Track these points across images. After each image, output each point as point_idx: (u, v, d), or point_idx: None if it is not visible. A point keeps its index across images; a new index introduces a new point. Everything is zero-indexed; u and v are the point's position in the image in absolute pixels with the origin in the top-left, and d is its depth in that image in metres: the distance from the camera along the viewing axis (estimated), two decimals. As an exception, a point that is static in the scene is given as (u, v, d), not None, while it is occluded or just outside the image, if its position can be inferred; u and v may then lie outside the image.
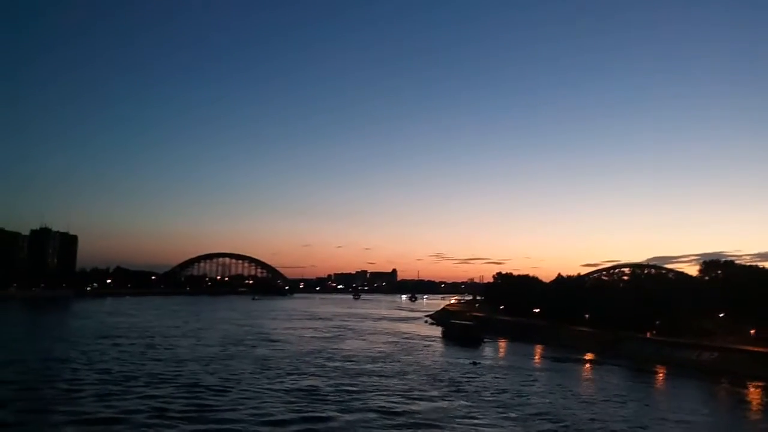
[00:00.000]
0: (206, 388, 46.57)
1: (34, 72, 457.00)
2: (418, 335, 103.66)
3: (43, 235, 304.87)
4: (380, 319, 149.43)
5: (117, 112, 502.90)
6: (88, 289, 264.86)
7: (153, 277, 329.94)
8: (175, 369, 56.40)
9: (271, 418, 36.96)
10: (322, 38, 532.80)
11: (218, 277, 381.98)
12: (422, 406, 42.49)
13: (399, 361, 66.90)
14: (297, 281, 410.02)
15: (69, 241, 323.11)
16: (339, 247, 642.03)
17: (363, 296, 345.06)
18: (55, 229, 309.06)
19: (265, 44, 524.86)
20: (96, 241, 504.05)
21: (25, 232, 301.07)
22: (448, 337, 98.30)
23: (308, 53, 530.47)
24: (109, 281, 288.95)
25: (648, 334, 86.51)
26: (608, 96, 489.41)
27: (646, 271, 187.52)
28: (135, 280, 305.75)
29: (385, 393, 46.87)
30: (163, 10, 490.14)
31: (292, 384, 49.48)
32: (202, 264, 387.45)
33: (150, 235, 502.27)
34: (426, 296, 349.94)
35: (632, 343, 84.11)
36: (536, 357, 79.89)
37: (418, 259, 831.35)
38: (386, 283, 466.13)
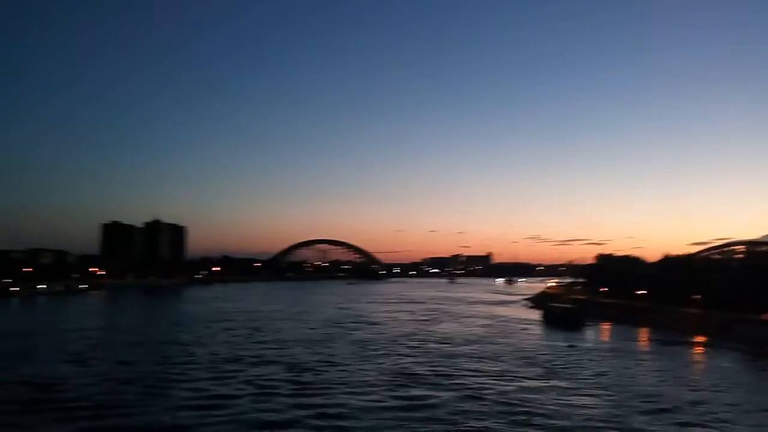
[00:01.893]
0: (307, 368, 48.85)
1: (151, 72, 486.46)
2: (515, 319, 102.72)
3: (155, 227, 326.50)
4: (475, 302, 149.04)
5: (220, 107, 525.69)
6: (198, 276, 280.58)
7: (256, 264, 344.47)
8: (279, 350, 59.46)
9: (369, 398, 38.26)
10: (413, 16, 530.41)
11: (317, 263, 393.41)
12: (515, 386, 42.54)
13: (494, 344, 66.90)
14: (391, 266, 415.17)
15: (179, 232, 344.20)
16: (432, 231, 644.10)
17: (458, 280, 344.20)
18: (166, 221, 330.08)
19: (360, 25, 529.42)
20: (204, 231, 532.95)
21: (140, 224, 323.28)
22: (548, 321, 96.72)
23: (402, 42, 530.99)
24: (216, 269, 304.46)
25: (765, 316, 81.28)
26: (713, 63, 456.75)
27: (763, 249, 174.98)
28: (240, 268, 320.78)
29: (479, 375, 47.25)
30: None
31: (390, 365, 50.85)
32: (302, 250, 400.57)
33: (253, 224, 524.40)
34: (523, 279, 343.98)
35: (746, 325, 79.27)
36: (641, 340, 77.17)
37: (514, 242, 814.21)
38: (481, 266, 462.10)
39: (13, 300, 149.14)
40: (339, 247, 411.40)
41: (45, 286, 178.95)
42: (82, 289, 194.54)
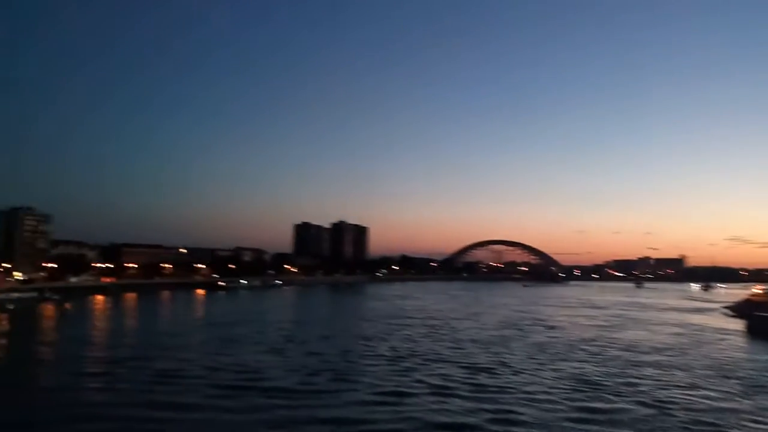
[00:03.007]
0: (483, 369, 49.47)
1: (335, 84, 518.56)
2: (712, 328, 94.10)
3: (340, 227, 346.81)
4: (666, 309, 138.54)
5: (403, 114, 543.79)
6: (378, 275, 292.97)
7: (433, 264, 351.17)
8: (455, 349, 60.81)
9: (546, 405, 37.84)
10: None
11: (492, 264, 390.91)
12: (706, 403, 39.44)
13: (685, 354, 62.19)
14: (571, 268, 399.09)
15: (361, 232, 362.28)
16: (616, 232, 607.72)
17: (646, 285, 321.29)
18: (350, 222, 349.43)
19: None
20: (384, 231, 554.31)
21: (327, 225, 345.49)
22: (753, 332, 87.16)
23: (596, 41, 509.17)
24: (395, 268, 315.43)
25: None
26: None
27: None
28: (417, 267, 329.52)
29: (664, 385, 44.50)
30: None
31: (568, 370, 49.77)
32: (476, 251, 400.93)
33: (431, 224, 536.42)
34: (722, 285, 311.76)
35: None
36: None
37: (711, 244, 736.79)
38: (673, 270, 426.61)
39: (220, 293, 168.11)
40: (515, 248, 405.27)
41: (245, 282, 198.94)
42: (276, 284, 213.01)
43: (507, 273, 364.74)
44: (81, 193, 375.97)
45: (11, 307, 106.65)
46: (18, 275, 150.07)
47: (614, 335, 78.29)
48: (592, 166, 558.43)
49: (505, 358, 55.82)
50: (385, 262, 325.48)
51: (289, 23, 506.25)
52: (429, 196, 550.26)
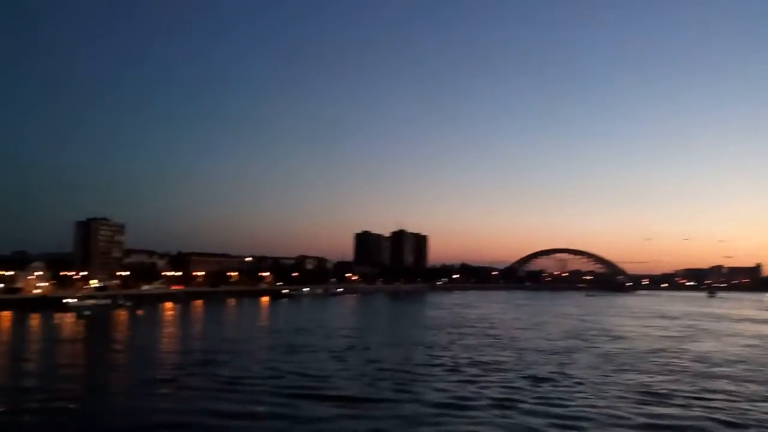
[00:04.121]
0: (546, 379, 48.74)
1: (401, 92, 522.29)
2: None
3: (400, 236, 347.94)
4: (741, 320, 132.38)
5: (457, 123, 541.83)
6: (438, 283, 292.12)
7: (494, 273, 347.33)
8: (518, 359, 60.12)
9: (608, 417, 37.04)
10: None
11: (556, 273, 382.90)
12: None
13: (761, 367, 59.44)
14: (639, 277, 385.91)
15: (421, 241, 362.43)
16: (686, 239, 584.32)
17: (719, 294, 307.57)
18: (409, 230, 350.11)
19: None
20: (444, 240, 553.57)
21: (387, 233, 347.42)
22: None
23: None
24: (455, 276, 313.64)
25: None
26: None
27: None
28: (478, 276, 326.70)
29: (737, 399, 42.69)
30: None
31: (634, 382, 48.36)
32: (539, 259, 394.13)
33: (491, 233, 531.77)
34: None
35: None
36: None
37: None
38: (749, 279, 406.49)
39: (283, 301, 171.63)
40: (579, 257, 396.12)
41: (308, 289, 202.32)
42: (337, 292, 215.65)
43: (571, 282, 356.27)
44: (151, 202, 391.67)
45: (88, 313, 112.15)
46: (94, 283, 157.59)
47: (685, 346, 75.56)
48: (661, 171, 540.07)
49: (568, 368, 54.77)
50: (445, 270, 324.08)
51: (346, 26, 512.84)
52: (491, 204, 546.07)
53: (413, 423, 34.39)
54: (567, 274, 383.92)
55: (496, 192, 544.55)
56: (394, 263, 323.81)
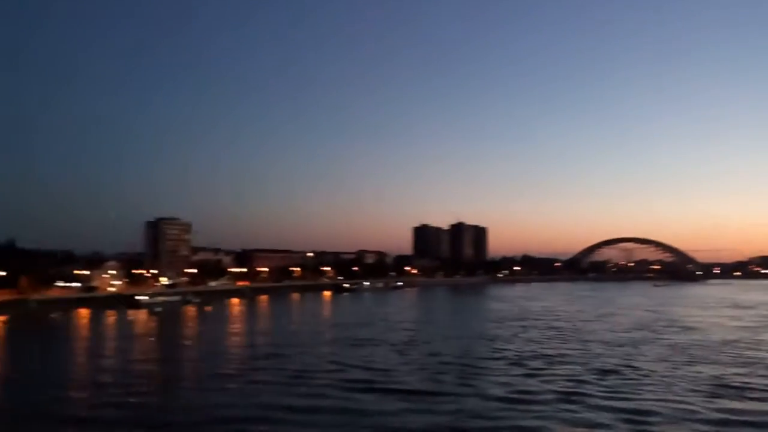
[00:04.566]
0: (610, 371, 47.79)
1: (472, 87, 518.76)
2: None
3: (459, 228, 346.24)
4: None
5: (513, 114, 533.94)
6: (499, 275, 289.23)
7: (557, 264, 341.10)
8: (583, 351, 59.06)
9: (678, 410, 36.01)
10: None
11: (621, 263, 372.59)
12: None
13: None
14: (710, 266, 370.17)
15: (480, 233, 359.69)
16: (762, 225, 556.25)
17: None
18: (468, 223, 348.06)
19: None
20: (504, 231, 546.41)
21: (446, 226, 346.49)
22: None
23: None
24: (517, 268, 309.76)
25: None
26: None
27: None
28: (540, 267, 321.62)
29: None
30: None
31: (705, 374, 46.80)
32: (604, 249, 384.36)
33: (553, 223, 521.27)
34: None
35: None
36: None
37: None
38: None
39: (344, 295, 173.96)
40: (646, 246, 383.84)
41: (368, 283, 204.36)
42: (397, 285, 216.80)
43: (638, 272, 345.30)
44: (216, 200, 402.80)
45: (159, 310, 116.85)
46: (164, 280, 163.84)
47: (760, 337, 72.43)
48: (733, 155, 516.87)
49: (636, 360, 53.48)
50: (506, 262, 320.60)
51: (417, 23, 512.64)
52: (552, 194, 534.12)
53: (477, 417, 34.38)
54: (633, 264, 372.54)
55: (558, 181, 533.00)
56: (454, 256, 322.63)
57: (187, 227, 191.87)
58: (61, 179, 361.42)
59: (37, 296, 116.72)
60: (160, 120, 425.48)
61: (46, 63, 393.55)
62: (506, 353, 57.99)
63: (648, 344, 64.69)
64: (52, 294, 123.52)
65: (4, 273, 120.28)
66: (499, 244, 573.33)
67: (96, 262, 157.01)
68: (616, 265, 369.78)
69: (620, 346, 63.31)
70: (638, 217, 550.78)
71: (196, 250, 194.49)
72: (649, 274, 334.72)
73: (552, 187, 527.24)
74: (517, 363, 52.12)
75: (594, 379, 44.92)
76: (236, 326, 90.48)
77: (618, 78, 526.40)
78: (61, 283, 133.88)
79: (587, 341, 67.17)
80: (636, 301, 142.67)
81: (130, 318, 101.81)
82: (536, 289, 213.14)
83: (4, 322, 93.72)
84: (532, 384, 43.15)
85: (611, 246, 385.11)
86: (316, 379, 45.23)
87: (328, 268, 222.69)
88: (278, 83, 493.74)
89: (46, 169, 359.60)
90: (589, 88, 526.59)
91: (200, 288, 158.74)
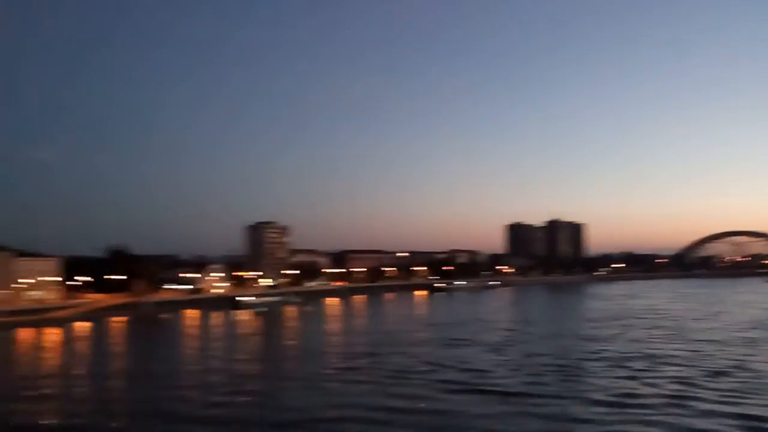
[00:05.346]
0: (723, 373, 45.31)
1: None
2: None
3: (554, 225, 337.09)
4: None
5: (609, 101, 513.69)
6: (598, 273, 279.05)
7: (660, 261, 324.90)
8: (690, 351, 56.19)
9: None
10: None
11: (732, 258, 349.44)
12: None
13: None
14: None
15: (577, 230, 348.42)
16: None
17: None
18: (564, 219, 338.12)
19: None
20: (603, 228, 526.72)
21: (540, 224, 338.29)
22: None
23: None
24: (618, 266, 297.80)
25: None
26: None
27: None
28: (643, 264, 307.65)
29: None
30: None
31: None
32: (711, 244, 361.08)
33: (654, 218, 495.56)
34: None
35: None
36: None
37: None
38: None
39: (438, 294, 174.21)
40: (759, 239, 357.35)
41: (462, 283, 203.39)
42: (492, 285, 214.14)
43: (751, 268, 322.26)
44: (312, 204, 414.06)
45: (262, 310, 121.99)
46: (264, 282, 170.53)
47: None
48: None
49: (751, 361, 50.29)
50: (606, 259, 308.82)
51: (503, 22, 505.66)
52: (654, 188, 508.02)
53: (579, 422, 33.47)
54: (745, 259, 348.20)
55: (660, 175, 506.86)
56: (549, 254, 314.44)
57: (284, 230, 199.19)
58: (167, 188, 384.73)
59: (149, 298, 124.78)
60: (255, 128, 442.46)
61: (169, 87, 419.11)
62: (608, 354, 56.09)
63: (764, 344, 60.66)
64: (161, 296, 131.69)
65: (124, 277, 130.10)
66: (598, 242, 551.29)
67: (201, 265, 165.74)
68: (725, 260, 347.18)
69: (732, 345, 59.76)
70: (750, 210, 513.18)
71: (293, 252, 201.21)
72: (763, 270, 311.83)
73: (654, 181, 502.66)
74: (619, 364, 50.30)
75: (704, 381, 42.69)
76: (334, 326, 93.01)
77: (712, 67, 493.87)
78: (169, 286, 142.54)
79: (696, 341, 63.83)
80: (748, 298, 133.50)
81: (234, 318, 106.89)
82: (639, 286, 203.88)
83: (126, 323, 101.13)
84: (637, 387, 41.57)
85: (720, 240, 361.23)
86: (413, 380, 45.73)
87: (422, 268, 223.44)
88: (376, 83, 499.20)
89: (154, 179, 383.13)
90: (688, 79, 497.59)
91: (299, 289, 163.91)
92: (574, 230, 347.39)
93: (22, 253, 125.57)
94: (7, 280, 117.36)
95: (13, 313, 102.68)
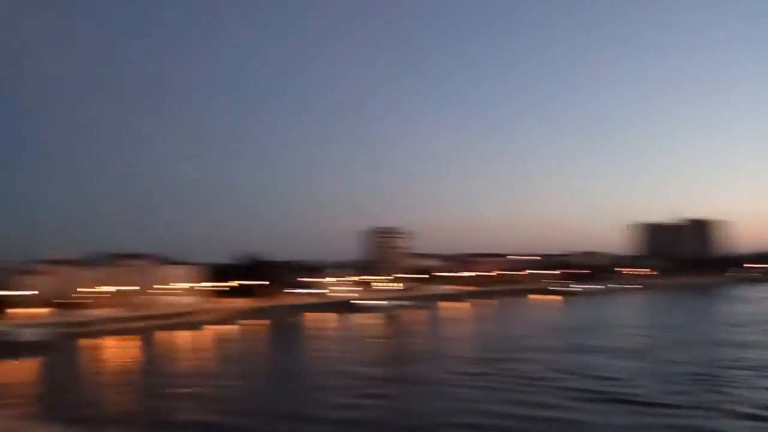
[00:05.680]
0: None
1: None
2: None
3: (693, 224, 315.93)
4: None
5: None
6: (750, 274, 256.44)
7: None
8: None
9: None
10: None
11: None
12: None
13: None
14: None
15: (715, 228, 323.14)
16: None
17: None
18: (701, 218, 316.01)
19: None
20: (746, 226, 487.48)
21: (672, 222, 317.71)
22: None
23: None
24: (764, 266, 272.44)
25: None
26: None
27: None
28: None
29: None
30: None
31: None
32: None
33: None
34: None
35: None
36: None
37: None
38: None
39: (566, 298, 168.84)
40: None
41: (590, 286, 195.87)
42: (623, 287, 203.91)
43: None
44: (433, 208, 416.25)
45: (388, 313, 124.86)
46: (387, 285, 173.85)
47: None
48: None
49: None
50: (749, 260, 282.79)
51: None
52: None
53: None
54: None
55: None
56: (688, 254, 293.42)
57: (406, 235, 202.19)
58: (293, 195, 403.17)
59: (282, 302, 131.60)
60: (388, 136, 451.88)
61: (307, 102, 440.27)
62: (755, 362, 51.62)
63: None
64: (290, 300, 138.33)
65: (266, 282, 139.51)
66: (740, 240, 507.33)
67: (325, 270, 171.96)
68: None
69: None
70: None
71: (415, 256, 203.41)
72: None
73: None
74: (766, 374, 46.14)
75: None
76: (455, 329, 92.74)
77: None
78: (296, 290, 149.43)
79: None
80: None
81: (355, 321, 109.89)
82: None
83: (261, 327, 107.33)
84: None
85: None
86: (542, 387, 44.50)
87: (549, 271, 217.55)
88: (480, 89, 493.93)
89: (280, 188, 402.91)
90: None
91: (420, 293, 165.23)
92: (712, 228, 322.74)
93: (166, 261, 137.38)
94: (154, 285, 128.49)
95: (164, 316, 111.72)
